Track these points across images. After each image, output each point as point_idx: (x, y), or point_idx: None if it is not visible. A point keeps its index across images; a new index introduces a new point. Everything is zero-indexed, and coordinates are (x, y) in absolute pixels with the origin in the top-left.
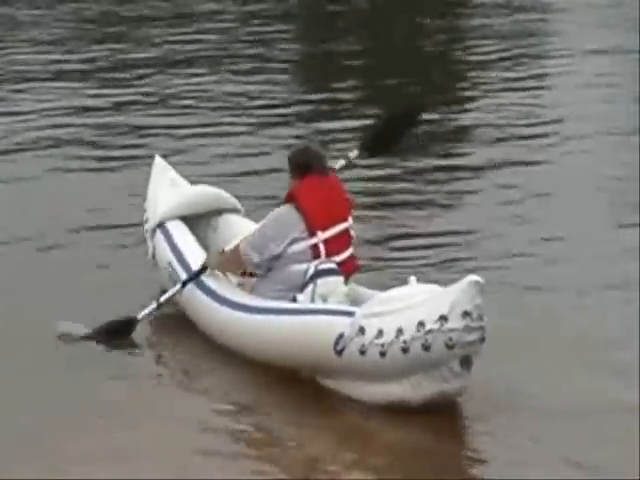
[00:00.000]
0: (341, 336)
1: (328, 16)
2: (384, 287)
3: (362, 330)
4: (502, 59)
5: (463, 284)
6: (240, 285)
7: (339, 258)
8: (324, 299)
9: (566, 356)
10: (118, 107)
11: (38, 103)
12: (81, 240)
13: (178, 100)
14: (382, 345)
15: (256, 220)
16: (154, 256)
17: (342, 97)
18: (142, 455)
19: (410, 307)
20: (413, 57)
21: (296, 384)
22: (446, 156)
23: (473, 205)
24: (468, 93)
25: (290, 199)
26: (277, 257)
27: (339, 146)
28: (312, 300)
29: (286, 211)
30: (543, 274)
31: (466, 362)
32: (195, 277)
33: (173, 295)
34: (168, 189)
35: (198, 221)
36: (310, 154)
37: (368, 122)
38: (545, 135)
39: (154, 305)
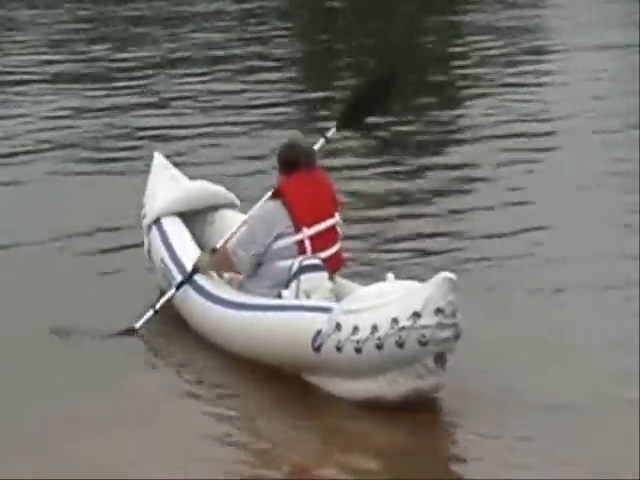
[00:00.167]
0: (319, 333)
1: (327, 13)
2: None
3: (339, 326)
4: (499, 55)
5: (436, 281)
6: (230, 281)
7: (325, 254)
8: (308, 295)
9: (558, 354)
10: (117, 109)
11: (38, 105)
12: (83, 242)
13: (178, 101)
14: (358, 342)
15: None
16: (149, 252)
17: (342, 96)
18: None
19: (385, 304)
20: (411, 54)
21: (282, 380)
22: (443, 154)
23: (471, 204)
24: (464, 91)
25: (277, 195)
26: (264, 253)
27: (339, 145)
28: (296, 296)
29: (273, 207)
30: (540, 273)
31: (440, 359)
32: (188, 280)
33: (169, 299)
34: (166, 185)
35: (196, 217)
36: (297, 151)
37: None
38: (543, 132)
39: (151, 312)
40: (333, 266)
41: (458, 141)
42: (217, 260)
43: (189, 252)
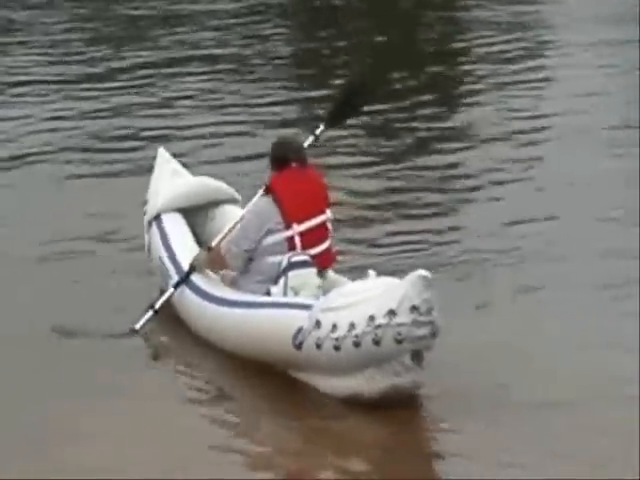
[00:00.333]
0: (299, 330)
1: (326, 10)
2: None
3: (318, 324)
4: (500, 52)
5: (411, 279)
6: (222, 277)
7: (315, 251)
8: (296, 292)
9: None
10: (117, 110)
11: (39, 106)
12: (84, 243)
13: (179, 100)
14: (336, 339)
15: None
16: (149, 250)
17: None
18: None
19: (363, 301)
20: (411, 51)
21: (275, 378)
22: (438, 152)
23: (471, 203)
24: (461, 87)
25: (268, 191)
26: (255, 248)
27: (340, 144)
28: (284, 293)
29: (264, 203)
30: (539, 272)
31: (417, 356)
32: (185, 279)
33: (167, 299)
34: (168, 181)
35: (197, 212)
36: (287, 147)
37: (368, 119)
38: (540, 128)
39: (150, 313)
40: (323, 263)
41: (454, 138)
42: (212, 258)
43: (187, 251)
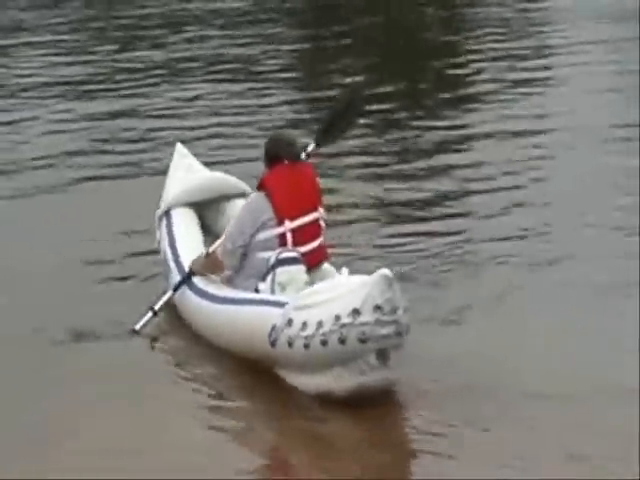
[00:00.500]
0: (274, 327)
1: (329, 9)
2: None
3: (290, 322)
4: (504, 50)
5: (374, 278)
6: (221, 278)
7: (306, 248)
8: (283, 288)
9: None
10: (123, 112)
11: (45, 109)
12: (91, 246)
13: (185, 102)
14: (306, 337)
15: None
16: (159, 244)
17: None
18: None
19: (332, 300)
20: (414, 50)
21: (270, 378)
22: (445, 153)
23: (471, 203)
24: (468, 86)
25: (260, 187)
26: (249, 244)
27: (341, 144)
28: (272, 289)
29: (257, 198)
30: (539, 272)
31: (382, 355)
32: (184, 282)
33: (167, 301)
34: (180, 176)
35: (209, 206)
36: (279, 145)
37: (367, 120)
38: (546, 129)
39: (150, 314)
40: (315, 260)
41: (458, 138)
42: (210, 261)
43: (191, 251)
